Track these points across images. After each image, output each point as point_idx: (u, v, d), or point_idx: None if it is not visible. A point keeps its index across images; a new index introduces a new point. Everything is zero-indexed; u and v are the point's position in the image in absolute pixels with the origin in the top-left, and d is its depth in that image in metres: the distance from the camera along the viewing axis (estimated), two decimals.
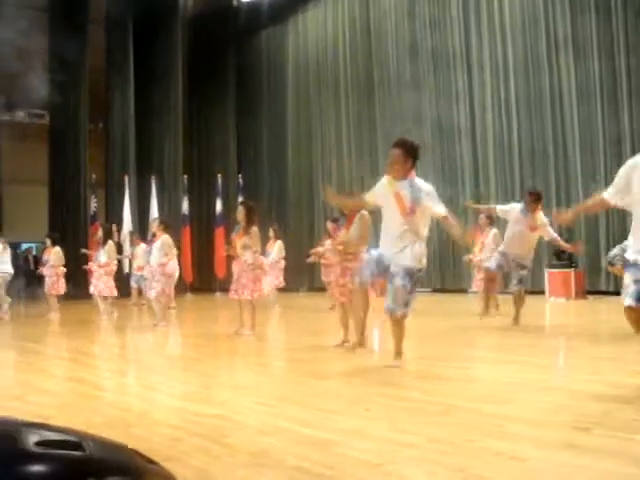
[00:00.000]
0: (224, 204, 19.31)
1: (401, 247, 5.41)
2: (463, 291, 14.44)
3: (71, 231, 18.07)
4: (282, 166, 19.71)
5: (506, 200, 14.96)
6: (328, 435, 3.61)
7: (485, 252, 9.84)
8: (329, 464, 3.07)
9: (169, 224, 10.91)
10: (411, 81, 16.59)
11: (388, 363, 5.62)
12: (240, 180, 19.56)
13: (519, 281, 8.42)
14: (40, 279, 13.63)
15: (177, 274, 12.33)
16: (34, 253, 20.46)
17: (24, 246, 20.66)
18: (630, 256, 4.34)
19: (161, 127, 19.83)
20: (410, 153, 5.56)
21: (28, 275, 17.69)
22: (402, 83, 16.79)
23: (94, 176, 18.68)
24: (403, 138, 5.84)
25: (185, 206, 18.97)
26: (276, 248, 12.68)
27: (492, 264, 8.49)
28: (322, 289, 13.77)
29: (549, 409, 4.12)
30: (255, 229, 8.30)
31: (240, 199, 19.14)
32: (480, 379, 5.07)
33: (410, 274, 5.40)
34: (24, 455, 1.20)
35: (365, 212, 6.91)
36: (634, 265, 4.27)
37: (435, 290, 15.37)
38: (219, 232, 19.17)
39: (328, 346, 7.12)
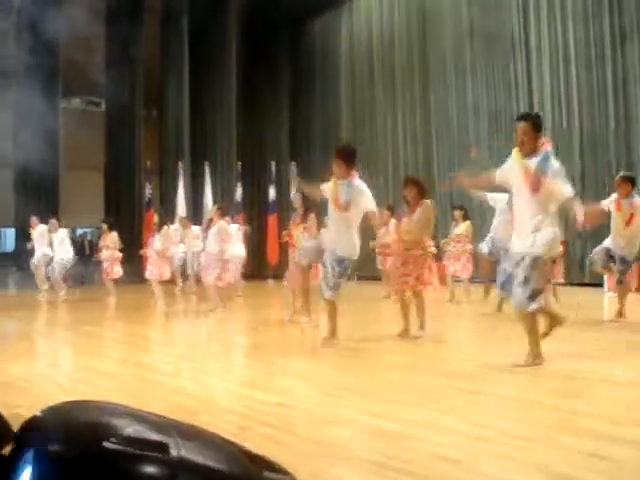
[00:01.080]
0: (277, 191, 19.29)
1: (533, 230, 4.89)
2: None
3: (126, 217, 18.26)
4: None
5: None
6: (398, 427, 3.50)
7: None
8: (406, 458, 2.95)
9: (226, 210, 10.92)
10: (467, 68, 16.25)
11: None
12: (293, 167, 19.48)
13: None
14: (96, 264, 13.80)
15: (239, 260, 12.31)
16: (89, 238, 20.70)
17: (79, 231, 20.92)
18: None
19: (215, 114, 19.86)
20: (537, 126, 5.08)
21: (84, 260, 17.91)
22: (458, 69, 16.45)
23: (149, 163, 18.81)
24: (526, 112, 5.48)
25: (239, 193, 18.96)
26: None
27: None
28: (374, 277, 13.69)
29: (625, 405, 3.94)
30: (312, 216, 8.20)
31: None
32: (549, 373, 4.87)
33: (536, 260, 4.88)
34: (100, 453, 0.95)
35: (428, 201, 6.78)
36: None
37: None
38: (272, 219, 19.15)
39: (388, 335, 7.01)
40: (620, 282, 7.87)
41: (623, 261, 7.79)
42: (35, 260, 13.15)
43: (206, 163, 18.86)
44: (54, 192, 18.59)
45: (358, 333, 7.19)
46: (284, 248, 19.44)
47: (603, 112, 13.79)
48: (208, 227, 10.61)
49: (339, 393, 4.34)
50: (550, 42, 14.61)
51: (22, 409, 3.95)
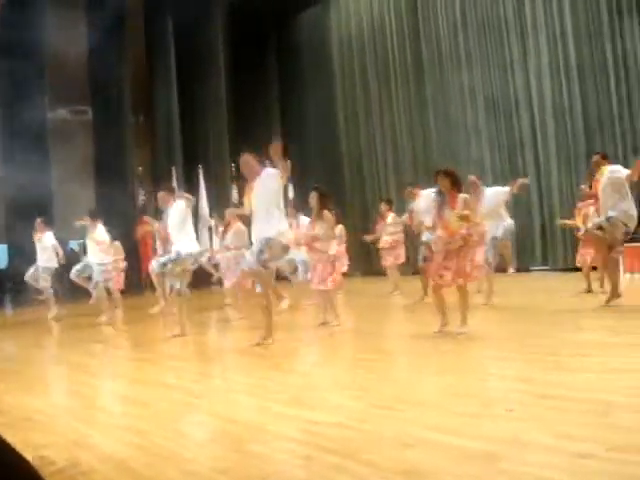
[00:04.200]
0: None
1: None
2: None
3: (120, 225, 17.76)
4: (331, 150, 19.08)
5: (569, 173, 14.35)
6: (481, 445, 3.07)
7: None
8: None
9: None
10: (462, 55, 15.86)
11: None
12: (288, 165, 19.05)
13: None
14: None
15: None
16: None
17: (73, 244, 20.39)
18: None
19: (205, 115, 19.41)
20: None
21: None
22: (453, 58, 16.06)
23: (140, 169, 18.34)
24: None
25: (234, 194, 18.52)
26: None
27: None
28: (379, 273, 13.31)
29: None
30: (327, 213, 7.81)
31: (290, 185, 18.76)
32: (618, 369, 4.47)
33: None
34: None
35: (467, 195, 6.48)
36: None
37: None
38: None
39: (420, 334, 6.61)
40: None
41: None
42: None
43: (199, 166, 18.43)
44: (46, 204, 18.08)
45: (390, 332, 6.77)
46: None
47: (604, 90, 13.42)
48: (225, 231, 10.45)
49: (398, 407, 3.90)
50: (546, 20, 14.24)
51: (48, 450, 3.52)
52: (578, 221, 9.31)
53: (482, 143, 15.50)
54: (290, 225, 11.13)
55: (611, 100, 13.32)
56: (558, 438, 3.09)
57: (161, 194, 8.55)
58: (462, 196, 6.49)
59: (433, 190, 8.78)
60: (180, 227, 8.01)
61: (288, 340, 7.41)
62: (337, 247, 8.71)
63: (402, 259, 11.81)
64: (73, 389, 5.63)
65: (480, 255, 8.69)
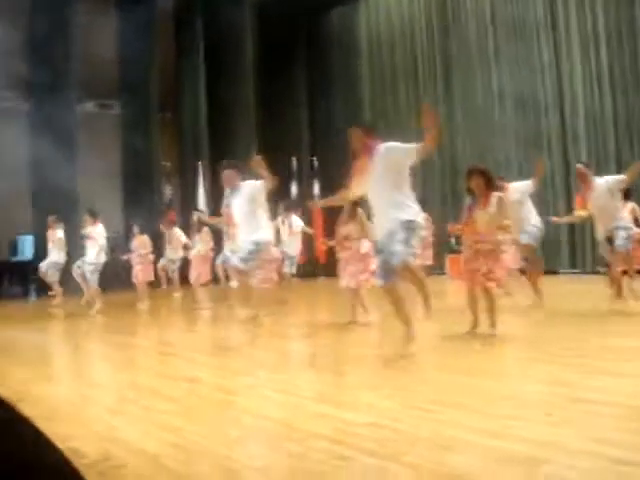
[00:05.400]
0: (299, 187, 18.94)
1: None
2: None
3: (146, 219, 17.80)
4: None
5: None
6: (523, 448, 2.99)
7: None
8: None
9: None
10: (491, 55, 15.70)
11: None
12: (315, 163, 19.03)
13: None
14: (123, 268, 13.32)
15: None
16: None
17: None
18: None
19: (233, 112, 19.36)
20: None
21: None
22: (482, 57, 15.91)
23: (168, 164, 18.36)
24: None
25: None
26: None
27: None
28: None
29: None
30: (361, 211, 7.71)
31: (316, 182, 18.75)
32: None
33: None
34: None
35: (502, 194, 6.39)
36: None
37: None
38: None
39: (444, 335, 6.53)
40: None
41: None
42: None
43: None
44: (72, 197, 18.15)
45: (418, 332, 6.64)
46: (308, 245, 19.06)
47: (637, 96, 13.21)
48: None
49: (433, 408, 3.81)
50: (579, 24, 14.06)
51: (78, 442, 3.47)
52: None
53: (510, 144, 15.33)
54: (283, 223, 11.46)
55: None
56: (599, 444, 3.00)
57: (227, 172, 7.29)
58: (496, 195, 6.38)
59: (526, 182, 8.64)
60: (251, 212, 7.09)
61: (316, 337, 7.35)
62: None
63: (430, 260, 11.68)
64: (99, 381, 5.59)
65: (510, 259, 8.62)
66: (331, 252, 10.96)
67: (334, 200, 6.90)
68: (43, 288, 14.02)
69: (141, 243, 12.04)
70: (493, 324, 6.27)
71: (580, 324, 6.99)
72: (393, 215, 5.31)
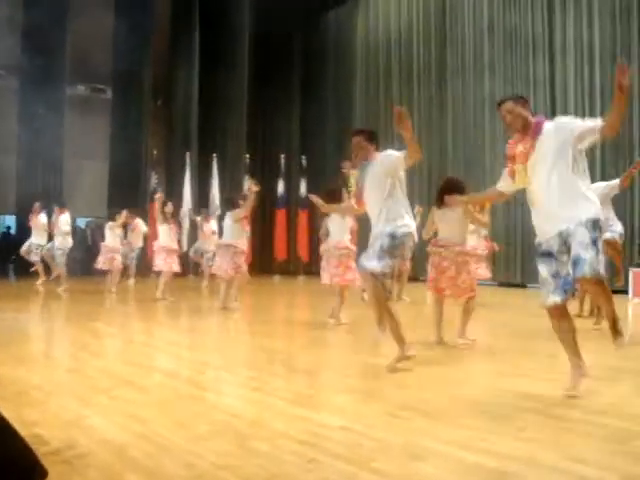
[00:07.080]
0: (286, 185, 18.90)
1: None
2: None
3: (130, 207, 17.69)
4: (348, 148, 18.92)
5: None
6: (494, 463, 2.96)
7: None
8: None
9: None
10: (486, 65, 15.72)
11: None
12: (303, 161, 18.97)
13: None
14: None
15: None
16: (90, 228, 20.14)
17: (81, 221, 20.28)
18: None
19: (225, 106, 19.32)
20: None
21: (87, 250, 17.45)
22: (477, 67, 15.93)
23: (155, 152, 18.23)
24: None
25: (246, 186, 18.41)
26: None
27: None
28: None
29: None
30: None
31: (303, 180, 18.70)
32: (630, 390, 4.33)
33: None
34: None
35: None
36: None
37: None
38: (280, 214, 18.71)
39: (427, 342, 6.50)
40: None
41: None
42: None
43: (214, 155, 18.35)
44: (57, 181, 18.03)
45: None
46: (291, 243, 19.02)
47: (627, 114, 13.24)
48: None
49: (406, 415, 3.78)
50: (575, 40, 14.07)
51: (43, 428, 3.41)
52: None
53: (497, 156, 15.33)
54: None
55: (632, 125, 13.17)
56: (573, 462, 2.98)
57: (356, 139, 5.60)
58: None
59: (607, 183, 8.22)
60: (391, 193, 5.25)
61: (295, 336, 7.30)
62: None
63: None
64: (72, 367, 5.50)
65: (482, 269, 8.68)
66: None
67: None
68: (24, 266, 13.97)
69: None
70: (464, 333, 6.29)
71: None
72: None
